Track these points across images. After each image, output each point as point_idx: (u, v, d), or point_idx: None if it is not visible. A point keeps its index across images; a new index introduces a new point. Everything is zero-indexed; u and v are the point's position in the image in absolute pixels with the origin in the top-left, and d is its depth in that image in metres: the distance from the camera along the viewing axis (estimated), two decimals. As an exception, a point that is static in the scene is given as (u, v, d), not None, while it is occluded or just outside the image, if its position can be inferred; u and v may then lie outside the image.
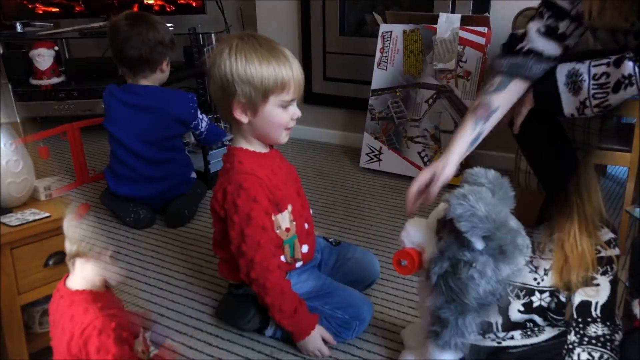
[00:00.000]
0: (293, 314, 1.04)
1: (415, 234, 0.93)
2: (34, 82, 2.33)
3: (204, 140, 1.76)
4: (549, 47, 1.13)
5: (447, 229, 0.87)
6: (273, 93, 1.01)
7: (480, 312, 0.89)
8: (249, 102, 1.01)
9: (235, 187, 1.02)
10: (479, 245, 0.84)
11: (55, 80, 2.34)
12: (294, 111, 1.06)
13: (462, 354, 0.92)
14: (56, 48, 2.38)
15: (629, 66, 1.03)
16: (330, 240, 1.27)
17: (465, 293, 0.86)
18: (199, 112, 1.68)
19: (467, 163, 1.86)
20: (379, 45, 1.97)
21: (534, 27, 1.14)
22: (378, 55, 1.98)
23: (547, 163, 1.31)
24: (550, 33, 1.12)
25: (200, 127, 1.69)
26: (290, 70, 1.01)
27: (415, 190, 1.04)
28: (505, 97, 1.12)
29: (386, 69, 1.97)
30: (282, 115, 1.04)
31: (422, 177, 1.04)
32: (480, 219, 0.81)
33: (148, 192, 1.66)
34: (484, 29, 1.78)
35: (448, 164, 1.04)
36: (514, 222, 0.87)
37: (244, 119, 1.04)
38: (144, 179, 1.65)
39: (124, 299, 1.28)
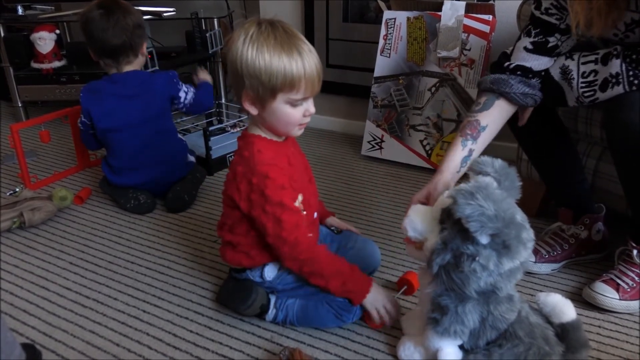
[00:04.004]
0: (352, 271, 1.06)
1: (418, 222, 0.93)
2: (35, 65, 2.32)
3: (187, 112, 1.79)
4: (539, 63, 1.13)
5: (451, 219, 0.86)
6: (281, 91, 0.97)
7: (480, 301, 0.89)
8: (256, 96, 0.99)
9: (261, 178, 1.00)
10: (484, 240, 0.83)
11: (56, 63, 2.32)
12: (307, 108, 1.02)
13: (461, 341, 0.93)
14: (57, 31, 2.36)
15: (616, 64, 1.02)
16: (332, 228, 1.27)
17: (467, 285, 0.86)
18: (181, 85, 1.70)
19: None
20: (383, 32, 1.96)
21: (521, 44, 1.14)
22: (381, 42, 1.96)
23: (546, 156, 1.32)
24: (538, 49, 1.12)
25: (183, 99, 1.70)
26: (302, 68, 0.96)
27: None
28: (492, 114, 1.13)
29: (389, 57, 1.96)
30: (291, 113, 1.01)
31: (417, 197, 1.05)
32: (490, 218, 0.80)
33: (146, 178, 1.65)
34: (489, 17, 1.77)
35: (440, 183, 1.05)
36: (519, 216, 0.86)
37: (253, 110, 1.02)
38: (141, 165, 1.65)
39: (125, 283, 1.29)
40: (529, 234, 0.86)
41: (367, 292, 1.07)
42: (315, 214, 1.15)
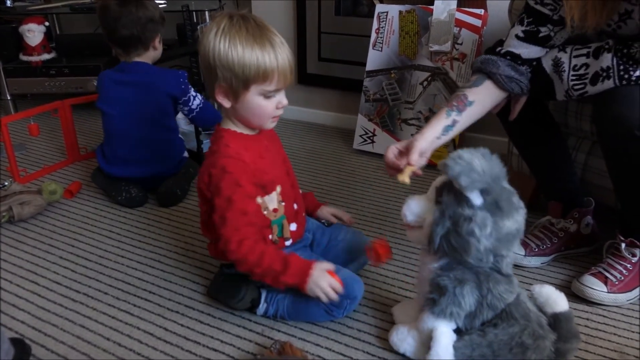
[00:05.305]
0: (287, 264, 1.01)
1: (415, 206, 0.95)
2: (24, 58, 2.29)
3: (193, 119, 1.74)
4: (529, 51, 1.14)
5: (445, 191, 0.89)
6: (254, 82, 0.98)
7: (479, 281, 0.91)
8: (230, 87, 1.00)
9: (220, 170, 1.01)
10: (477, 200, 0.87)
11: (45, 56, 2.30)
12: (280, 100, 1.03)
13: (456, 324, 0.94)
14: (47, 23, 2.33)
15: (607, 58, 1.03)
16: (322, 221, 1.27)
17: (468, 249, 0.88)
18: (190, 89, 1.67)
19: (460, 146, 1.87)
20: (375, 25, 1.95)
21: (513, 32, 1.16)
22: (373, 36, 1.96)
23: (536, 150, 1.32)
24: (529, 38, 1.13)
25: (190, 104, 1.67)
26: (275, 60, 0.97)
27: (392, 156, 1.08)
28: (480, 92, 1.14)
29: (381, 50, 1.96)
30: (264, 105, 1.02)
31: (395, 147, 1.08)
32: (478, 173, 0.85)
33: (140, 173, 1.65)
34: (481, 11, 1.77)
35: (420, 138, 1.07)
36: (507, 185, 0.91)
37: (226, 103, 1.03)
38: (137, 160, 1.64)
39: (116, 277, 1.28)
40: (519, 202, 0.91)
41: (305, 283, 1.02)
42: (296, 205, 1.16)
